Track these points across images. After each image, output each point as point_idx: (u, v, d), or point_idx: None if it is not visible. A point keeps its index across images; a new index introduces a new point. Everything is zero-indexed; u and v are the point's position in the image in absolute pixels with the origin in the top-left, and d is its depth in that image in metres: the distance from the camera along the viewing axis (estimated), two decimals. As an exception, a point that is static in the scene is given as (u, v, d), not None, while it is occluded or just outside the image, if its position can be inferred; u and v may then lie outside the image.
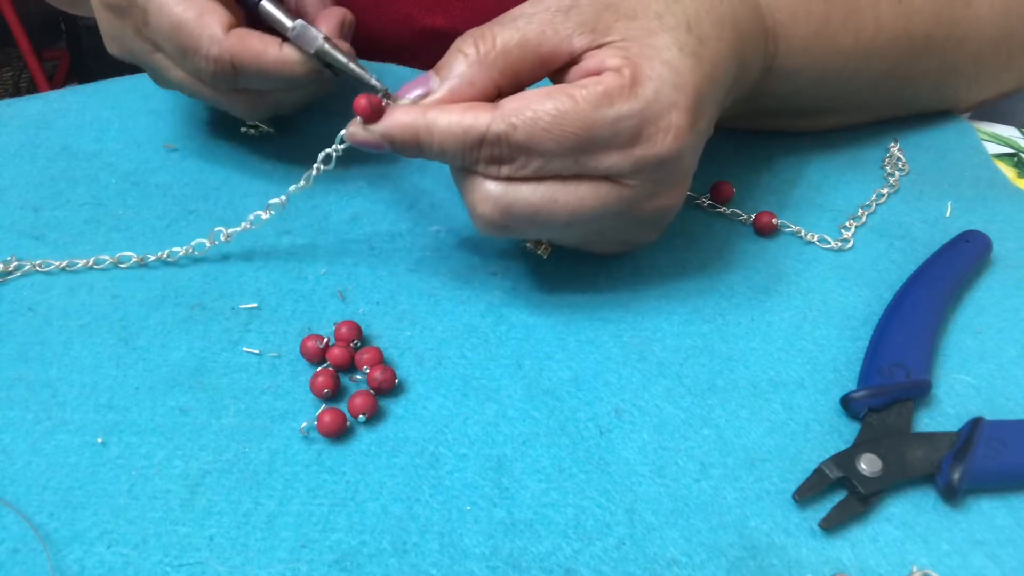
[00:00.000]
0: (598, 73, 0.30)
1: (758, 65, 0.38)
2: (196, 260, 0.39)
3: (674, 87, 0.30)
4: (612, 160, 0.31)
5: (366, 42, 0.52)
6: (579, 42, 0.31)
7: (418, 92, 0.32)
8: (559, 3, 0.31)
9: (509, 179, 0.31)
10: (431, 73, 0.32)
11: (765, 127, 0.47)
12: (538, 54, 0.31)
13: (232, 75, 0.37)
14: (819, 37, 0.40)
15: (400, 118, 0.31)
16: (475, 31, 0.32)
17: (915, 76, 0.45)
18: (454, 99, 0.31)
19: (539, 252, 0.37)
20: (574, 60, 0.31)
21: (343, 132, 0.34)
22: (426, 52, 0.51)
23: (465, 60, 0.31)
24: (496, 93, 0.32)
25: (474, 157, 0.31)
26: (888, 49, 0.42)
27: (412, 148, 0.32)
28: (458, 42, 0.32)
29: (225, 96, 0.39)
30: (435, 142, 0.31)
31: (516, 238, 0.35)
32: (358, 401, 0.33)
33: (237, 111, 0.41)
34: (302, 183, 0.36)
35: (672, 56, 0.30)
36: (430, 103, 0.31)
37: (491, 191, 0.32)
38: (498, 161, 0.31)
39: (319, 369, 0.34)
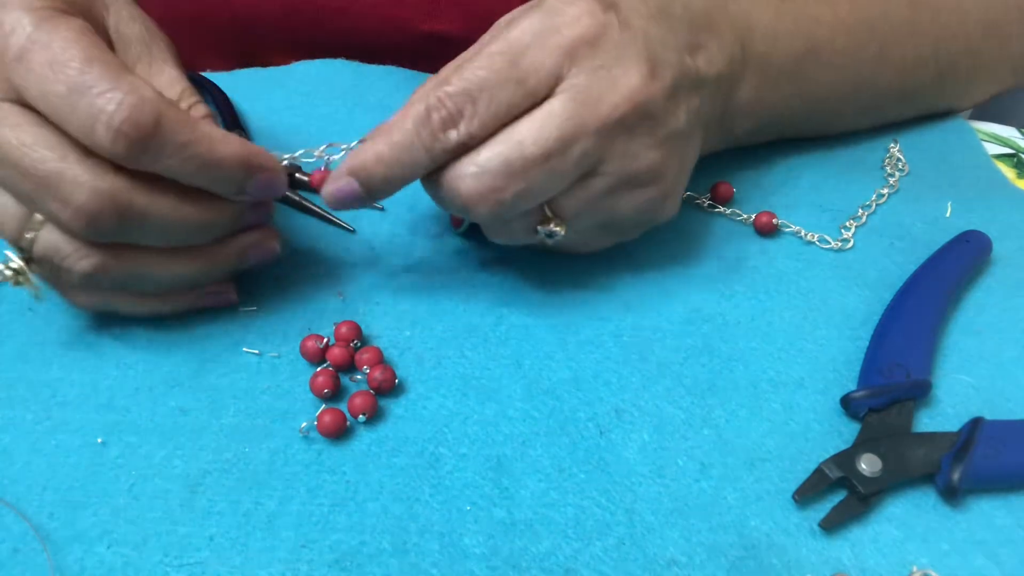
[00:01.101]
0: None
1: (722, 18, 0.38)
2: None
3: None
4: (543, 60, 0.31)
5: (365, 49, 0.52)
6: None
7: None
8: (499, 23, 0.33)
9: (471, 146, 0.31)
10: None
11: (780, 138, 0.47)
12: None
13: (146, 140, 0.28)
14: (787, 1, 0.41)
15: (357, 153, 0.32)
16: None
17: (912, 65, 0.45)
18: None
19: (555, 229, 0.34)
20: None
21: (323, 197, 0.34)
22: (425, 57, 0.52)
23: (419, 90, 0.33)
24: None
25: (428, 132, 0.31)
26: (870, 30, 0.43)
27: (378, 170, 0.32)
28: (416, 90, 0.33)
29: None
30: (394, 139, 0.31)
31: (512, 207, 0.33)
32: (358, 401, 0.33)
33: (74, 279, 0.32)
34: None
35: None
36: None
37: (462, 166, 0.32)
38: (451, 123, 0.31)
39: (319, 369, 0.34)
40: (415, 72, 0.52)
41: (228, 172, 0.31)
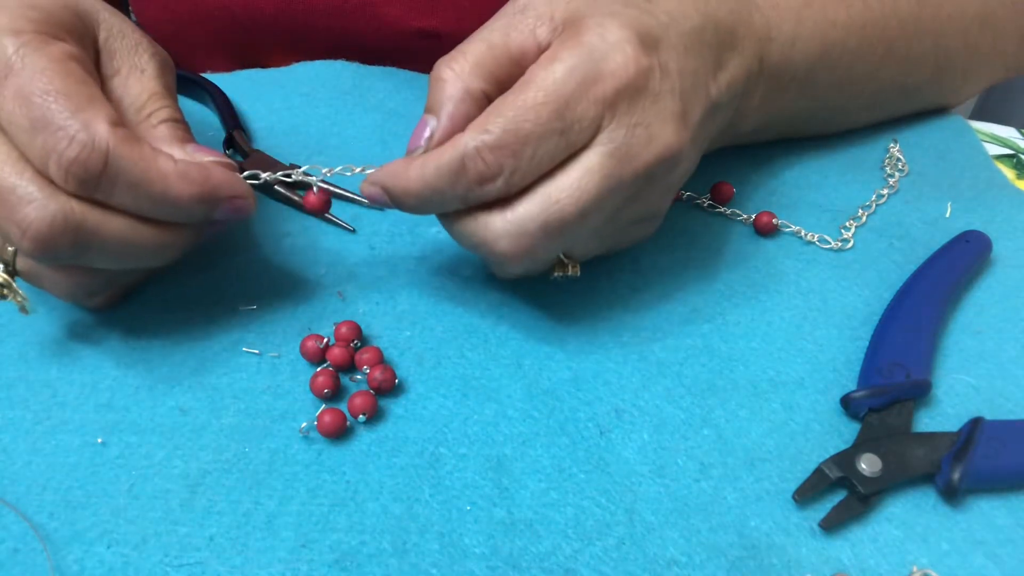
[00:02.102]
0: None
1: (747, 32, 0.38)
2: (196, 260, 0.39)
3: (619, 27, 0.31)
4: (586, 111, 0.30)
5: (358, 46, 0.52)
6: (542, 33, 0.32)
7: (425, 135, 0.32)
8: (515, 6, 0.33)
9: (508, 203, 0.31)
10: (425, 116, 0.32)
11: (781, 137, 0.47)
12: (508, 55, 0.32)
13: (95, 180, 0.29)
14: (808, 7, 0.41)
15: (394, 175, 0.32)
16: (445, 57, 0.32)
17: (913, 60, 0.45)
18: (455, 124, 0.31)
19: (570, 274, 0.34)
20: (543, 51, 0.32)
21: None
22: (417, 54, 0.52)
23: (447, 84, 0.32)
24: (487, 101, 0.32)
25: (464, 183, 0.30)
26: (881, 29, 0.43)
27: (408, 201, 0.32)
28: (434, 72, 0.32)
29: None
30: (427, 180, 0.31)
31: (543, 262, 0.34)
32: (358, 401, 0.33)
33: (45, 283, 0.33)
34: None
35: (615, 9, 0.31)
36: (438, 138, 0.32)
37: (498, 225, 0.31)
38: (489, 178, 0.30)
39: (319, 369, 0.34)
40: (415, 73, 0.52)
41: (185, 208, 0.31)
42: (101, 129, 0.29)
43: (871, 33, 0.43)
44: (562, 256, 0.34)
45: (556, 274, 0.34)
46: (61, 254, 0.29)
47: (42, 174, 0.29)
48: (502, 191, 0.31)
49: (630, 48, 0.30)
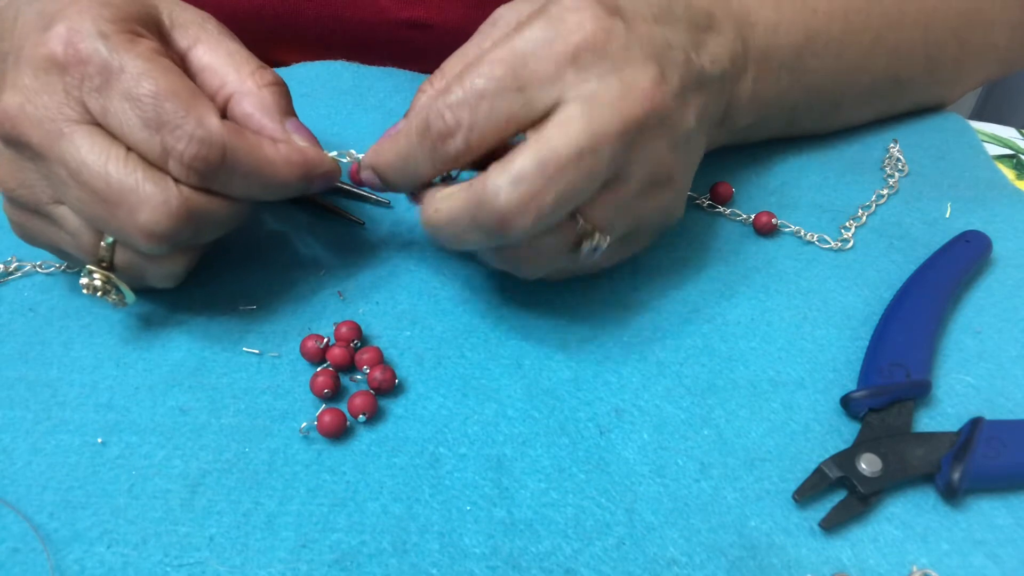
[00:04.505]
0: None
1: (724, 14, 0.38)
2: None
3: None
4: (544, 68, 0.30)
5: (342, 37, 0.52)
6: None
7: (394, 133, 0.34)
8: (488, 21, 0.34)
9: (470, 157, 0.31)
10: (401, 120, 0.34)
11: (780, 133, 0.47)
12: None
13: (215, 173, 0.31)
14: None
15: (373, 152, 0.34)
16: (431, 75, 0.34)
17: (903, 51, 0.45)
18: None
19: (596, 243, 0.33)
20: None
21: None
22: (403, 44, 0.52)
23: (424, 97, 0.33)
24: None
25: (429, 141, 0.31)
26: (865, 16, 0.43)
27: (388, 173, 0.33)
28: (420, 87, 0.34)
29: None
30: (400, 148, 0.33)
31: (555, 218, 0.32)
32: (358, 401, 0.33)
33: (150, 272, 0.34)
34: None
35: None
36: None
37: (496, 181, 0.30)
38: (449, 133, 0.31)
39: (319, 369, 0.34)
40: (415, 73, 0.52)
41: (290, 187, 0.33)
42: (215, 124, 0.30)
43: (855, 20, 0.43)
44: (581, 221, 0.32)
45: (584, 247, 0.33)
46: (180, 242, 0.31)
47: (152, 168, 0.30)
48: (462, 149, 0.31)
49: (590, 9, 0.31)
